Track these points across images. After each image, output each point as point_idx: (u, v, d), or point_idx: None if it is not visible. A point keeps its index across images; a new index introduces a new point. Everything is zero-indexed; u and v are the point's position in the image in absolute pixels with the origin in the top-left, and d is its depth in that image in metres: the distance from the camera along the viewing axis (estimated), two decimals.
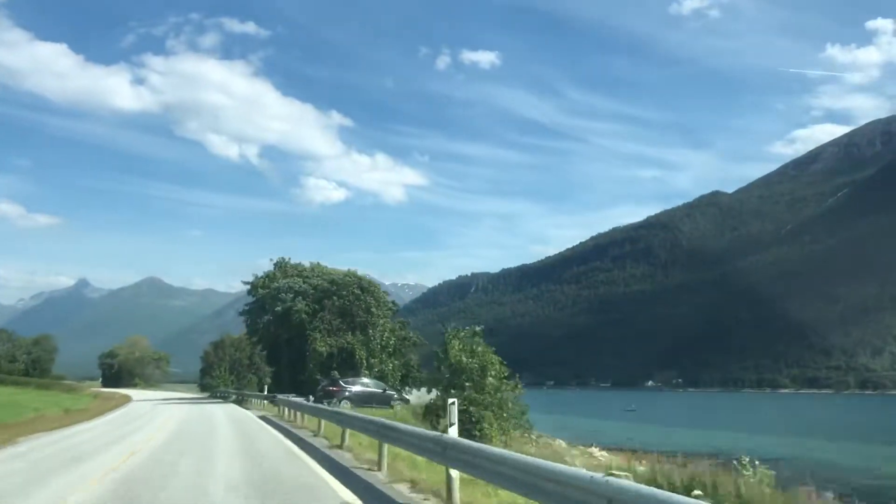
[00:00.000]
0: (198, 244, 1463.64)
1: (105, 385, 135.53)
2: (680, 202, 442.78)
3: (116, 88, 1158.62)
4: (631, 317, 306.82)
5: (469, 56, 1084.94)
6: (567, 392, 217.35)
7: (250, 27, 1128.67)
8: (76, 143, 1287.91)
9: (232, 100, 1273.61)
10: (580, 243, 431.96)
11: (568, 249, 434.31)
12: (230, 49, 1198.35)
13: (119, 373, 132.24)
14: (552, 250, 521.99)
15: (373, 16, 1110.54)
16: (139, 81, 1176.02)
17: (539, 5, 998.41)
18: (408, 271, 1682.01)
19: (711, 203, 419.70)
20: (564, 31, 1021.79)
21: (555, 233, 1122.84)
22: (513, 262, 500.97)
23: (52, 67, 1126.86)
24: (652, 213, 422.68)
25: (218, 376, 76.01)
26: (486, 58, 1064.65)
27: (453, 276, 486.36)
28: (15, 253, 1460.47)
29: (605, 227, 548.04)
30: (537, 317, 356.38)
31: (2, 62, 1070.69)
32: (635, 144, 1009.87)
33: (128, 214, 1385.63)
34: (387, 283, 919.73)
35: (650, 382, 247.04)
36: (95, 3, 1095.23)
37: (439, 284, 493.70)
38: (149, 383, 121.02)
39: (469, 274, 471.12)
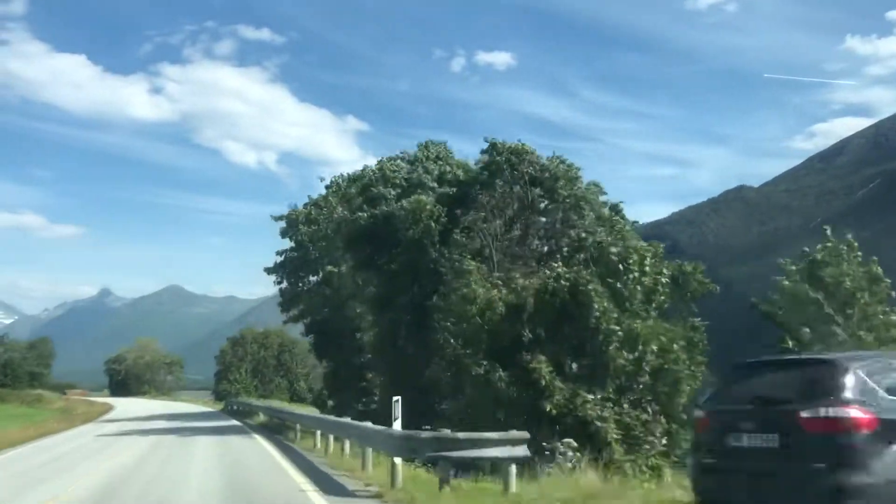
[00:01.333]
0: (218, 251, 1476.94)
1: (113, 393, 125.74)
2: (697, 200, 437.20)
3: (134, 98, 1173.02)
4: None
5: (484, 57, 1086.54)
6: None
7: (265, 34, 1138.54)
8: (96, 153, 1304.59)
9: (248, 107, 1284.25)
10: None
11: None
12: (246, 56, 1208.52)
13: (126, 379, 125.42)
14: None
15: (387, 20, 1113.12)
16: (157, 90, 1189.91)
17: (553, 5, 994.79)
18: None
19: (737, 198, 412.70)
20: (579, 31, 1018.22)
21: None
22: None
23: (71, 78, 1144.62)
24: (676, 210, 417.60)
25: (237, 380, 66.00)
26: (501, 58, 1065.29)
27: None
28: (38, 264, 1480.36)
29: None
30: None
31: (21, 74, 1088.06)
32: (652, 143, 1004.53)
33: (148, 223, 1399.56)
34: None
35: None
36: (113, 13, 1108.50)
37: None
38: (161, 391, 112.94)
39: None
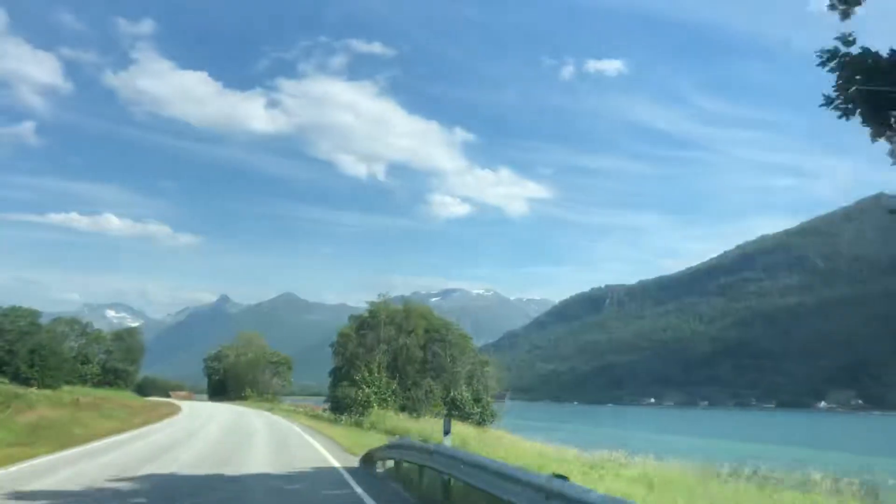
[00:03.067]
0: (330, 261, 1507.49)
1: (212, 396, 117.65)
2: (821, 211, 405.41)
3: (252, 112, 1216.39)
4: (790, 331, 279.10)
5: (594, 65, 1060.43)
6: (729, 412, 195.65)
7: (376, 47, 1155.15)
8: (216, 166, 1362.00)
9: (360, 119, 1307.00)
10: (724, 252, 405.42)
11: (712, 259, 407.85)
12: (357, 70, 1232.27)
13: (225, 380, 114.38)
14: (682, 264, 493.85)
15: (495, 30, 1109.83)
16: (273, 105, 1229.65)
17: (665, 11, 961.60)
18: (532, 286, 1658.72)
19: (875, 206, 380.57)
20: (692, 36, 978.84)
21: (685, 246, 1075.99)
22: (640, 277, 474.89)
23: (194, 94, 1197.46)
24: (805, 220, 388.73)
25: (367, 381, 43.45)
26: (612, 66, 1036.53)
27: (586, 289, 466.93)
28: (163, 271, 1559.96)
29: (739, 239, 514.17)
30: (681, 331, 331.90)
31: (149, 91, 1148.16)
32: (770, 152, 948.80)
33: (264, 232, 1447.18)
34: (511, 299, 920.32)
35: (822, 403, 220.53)
36: (232, 31, 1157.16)
37: (571, 297, 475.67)
38: (263, 396, 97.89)
39: (603, 286, 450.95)
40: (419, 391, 50.24)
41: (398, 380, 48.62)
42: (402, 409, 45.25)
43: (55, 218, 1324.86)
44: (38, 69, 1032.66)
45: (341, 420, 44.07)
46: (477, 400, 48.21)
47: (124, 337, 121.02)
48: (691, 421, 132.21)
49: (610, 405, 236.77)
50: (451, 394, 48.18)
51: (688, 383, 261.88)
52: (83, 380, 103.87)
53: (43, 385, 66.95)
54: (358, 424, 39.48)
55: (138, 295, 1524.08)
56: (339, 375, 53.19)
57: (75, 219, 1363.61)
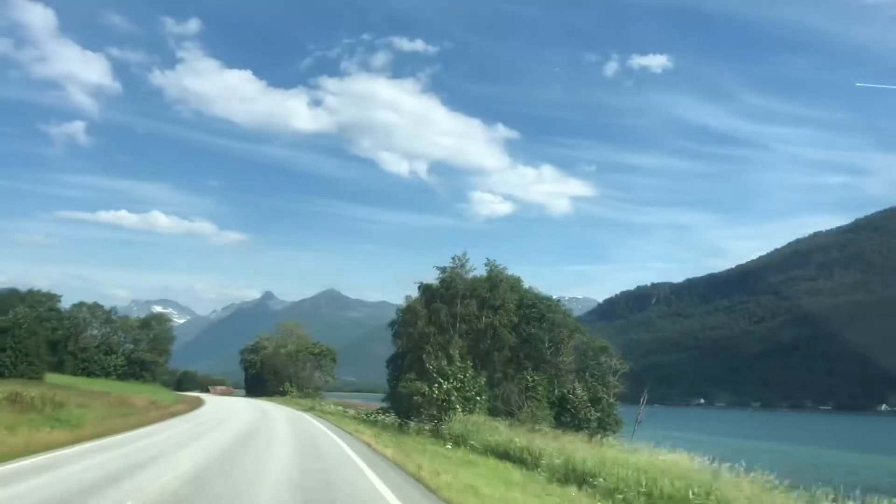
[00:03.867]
0: (371, 258, 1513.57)
1: (249, 391, 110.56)
2: (874, 209, 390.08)
3: (295, 111, 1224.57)
4: (844, 331, 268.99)
5: (639, 61, 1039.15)
6: (785, 414, 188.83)
7: (419, 45, 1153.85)
8: (260, 164, 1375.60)
9: (402, 117, 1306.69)
10: (775, 250, 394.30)
11: (761, 257, 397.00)
12: (400, 67, 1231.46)
13: (262, 373, 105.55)
14: (728, 263, 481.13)
15: (537, 26, 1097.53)
16: (316, 103, 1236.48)
17: (711, 3, 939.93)
18: (575, 285, 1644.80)
19: None
20: (740, 31, 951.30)
21: (732, 244, 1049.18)
22: (685, 276, 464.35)
23: (239, 93, 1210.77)
24: (860, 216, 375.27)
25: (445, 372, 32.03)
26: (656, 62, 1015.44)
27: (631, 287, 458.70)
28: (210, 268, 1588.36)
29: (787, 237, 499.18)
30: (731, 330, 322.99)
31: (195, 90, 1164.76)
32: (820, 149, 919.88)
33: (306, 230, 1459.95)
34: (554, 297, 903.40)
35: (883, 406, 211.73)
36: (276, 30, 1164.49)
37: (616, 295, 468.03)
38: (304, 391, 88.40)
39: (649, 284, 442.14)
40: (510, 386, 37.91)
41: (484, 372, 37.71)
42: (491, 412, 34.29)
43: (105, 216, 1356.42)
44: (88, 70, 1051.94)
45: (409, 428, 32.64)
46: (595, 401, 38.10)
47: (152, 324, 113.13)
48: (761, 424, 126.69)
49: (657, 405, 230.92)
50: (557, 391, 37.26)
51: (738, 384, 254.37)
52: (106, 372, 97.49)
53: (14, 373, 58.57)
54: (435, 435, 29.05)
55: (185, 292, 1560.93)
56: (402, 365, 41.70)
57: (124, 216, 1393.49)
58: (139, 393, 58.32)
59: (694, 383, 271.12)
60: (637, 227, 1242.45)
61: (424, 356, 36.36)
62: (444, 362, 33.36)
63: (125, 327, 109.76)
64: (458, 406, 30.76)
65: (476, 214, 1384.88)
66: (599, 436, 31.36)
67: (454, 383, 31.71)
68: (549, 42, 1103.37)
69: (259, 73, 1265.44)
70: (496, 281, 43.37)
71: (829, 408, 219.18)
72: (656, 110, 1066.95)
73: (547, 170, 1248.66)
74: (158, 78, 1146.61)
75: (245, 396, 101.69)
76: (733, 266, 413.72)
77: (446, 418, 29.81)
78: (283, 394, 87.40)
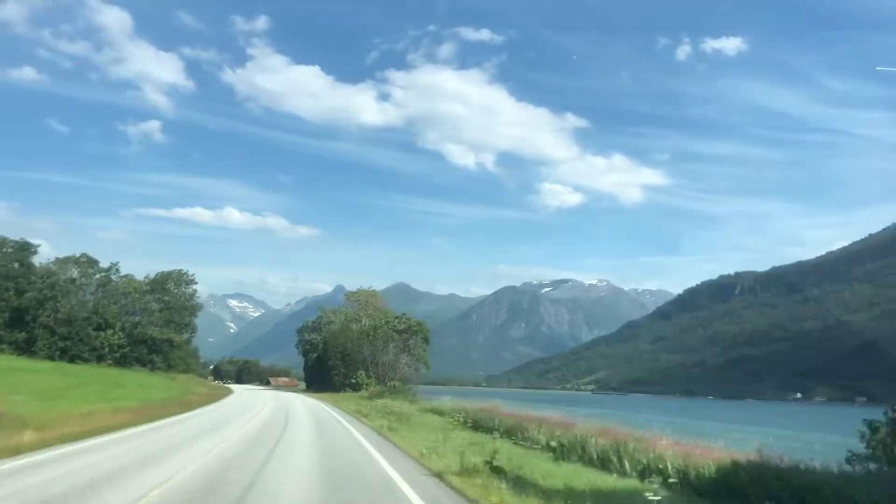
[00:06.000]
0: (440, 251, 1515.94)
1: (309, 385, 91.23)
2: None
3: (363, 105, 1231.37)
4: None
5: (711, 44, 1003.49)
6: None
7: (485, 34, 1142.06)
8: (330, 160, 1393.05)
9: (468, 109, 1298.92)
10: (869, 235, 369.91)
11: (854, 243, 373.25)
12: (466, 58, 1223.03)
13: (325, 359, 79.92)
14: (809, 252, 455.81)
15: (605, 11, 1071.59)
16: (383, 97, 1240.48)
17: None
18: (647, 277, 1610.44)
19: None
20: (817, 10, 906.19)
21: (812, 233, 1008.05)
22: (763, 266, 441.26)
23: (307, 89, 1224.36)
24: None
25: None
26: (731, 44, 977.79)
27: (713, 277, 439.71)
28: (282, 262, 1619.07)
29: (872, 226, 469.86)
30: (825, 321, 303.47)
31: (265, 87, 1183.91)
32: None
33: (376, 224, 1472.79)
34: (626, 290, 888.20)
35: None
36: (343, 24, 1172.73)
37: (696, 286, 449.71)
38: (389, 385, 62.35)
39: (732, 273, 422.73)
40: None
41: None
42: None
43: (181, 212, 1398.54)
44: (162, 69, 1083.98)
45: None
46: None
47: (168, 286, 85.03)
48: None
49: (749, 400, 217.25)
50: None
51: (839, 377, 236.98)
52: (98, 355, 74.60)
53: None
54: None
55: (258, 286, 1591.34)
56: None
57: (199, 213, 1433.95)
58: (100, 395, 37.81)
59: (789, 377, 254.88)
60: (711, 217, 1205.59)
61: None
62: None
63: (130, 292, 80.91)
64: None
65: (545, 206, 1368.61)
66: None
67: None
68: (617, 27, 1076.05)
69: (327, 68, 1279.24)
70: None
71: None
72: (730, 96, 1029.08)
73: (618, 159, 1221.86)
74: (229, 76, 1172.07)
75: (304, 392, 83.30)
76: (823, 253, 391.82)
77: None
78: (355, 387, 67.14)
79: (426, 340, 77.68)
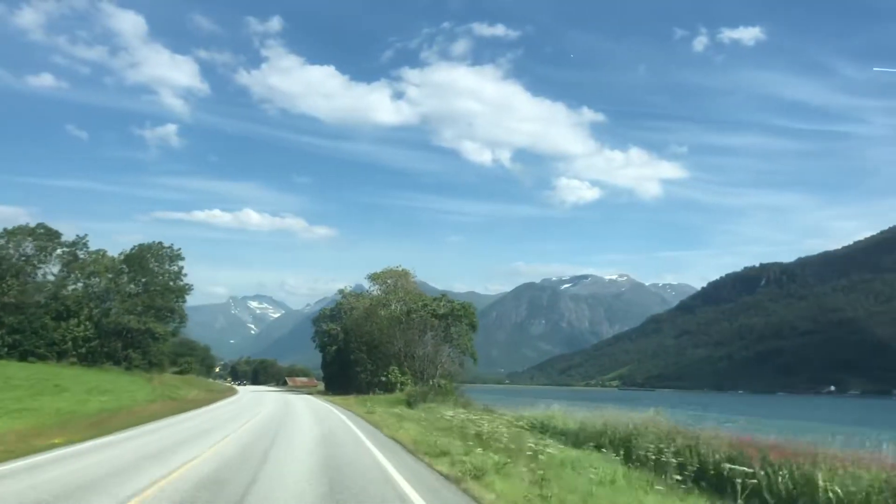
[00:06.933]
0: (458, 249, 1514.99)
1: (329, 386, 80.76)
2: None
3: (378, 104, 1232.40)
4: None
5: (729, 34, 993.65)
6: None
7: (499, 29, 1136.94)
8: (346, 160, 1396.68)
9: (484, 105, 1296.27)
10: None
11: (883, 232, 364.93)
12: (480, 54, 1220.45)
13: (346, 353, 69.39)
14: (833, 243, 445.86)
15: (621, 3, 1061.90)
16: (398, 96, 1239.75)
17: None
18: (666, 271, 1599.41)
19: None
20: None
21: (835, 224, 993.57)
22: (785, 258, 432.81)
23: (322, 89, 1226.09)
24: None
25: None
26: (748, 34, 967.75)
27: (738, 269, 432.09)
28: (301, 263, 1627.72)
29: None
30: (855, 312, 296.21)
31: (280, 88, 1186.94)
32: None
33: (394, 223, 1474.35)
34: (647, 284, 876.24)
35: None
36: (357, 23, 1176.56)
37: (720, 278, 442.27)
38: (430, 384, 52.64)
39: (757, 265, 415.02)
40: None
41: None
42: None
43: (199, 215, 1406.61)
44: (177, 72, 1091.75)
45: None
46: None
47: (147, 263, 68.15)
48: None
49: (781, 394, 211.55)
50: None
51: (874, 369, 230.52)
52: (59, 352, 61.00)
53: None
54: None
55: (278, 287, 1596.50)
56: None
57: (217, 215, 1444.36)
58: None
59: (821, 370, 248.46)
60: (731, 210, 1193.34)
61: None
62: None
63: (100, 270, 65.18)
64: None
65: (562, 201, 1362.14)
66: None
67: None
68: (633, 19, 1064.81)
69: (341, 67, 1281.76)
70: None
71: None
72: (749, 86, 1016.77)
73: (635, 153, 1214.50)
74: (244, 77, 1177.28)
75: (322, 395, 71.66)
76: (850, 243, 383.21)
77: None
78: (386, 387, 56.20)
79: (472, 328, 64.53)
